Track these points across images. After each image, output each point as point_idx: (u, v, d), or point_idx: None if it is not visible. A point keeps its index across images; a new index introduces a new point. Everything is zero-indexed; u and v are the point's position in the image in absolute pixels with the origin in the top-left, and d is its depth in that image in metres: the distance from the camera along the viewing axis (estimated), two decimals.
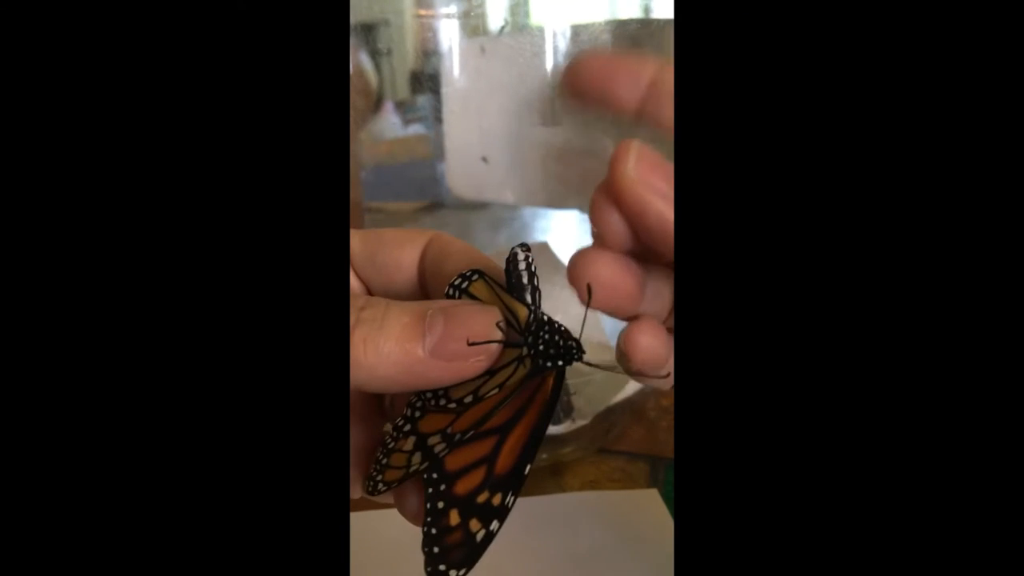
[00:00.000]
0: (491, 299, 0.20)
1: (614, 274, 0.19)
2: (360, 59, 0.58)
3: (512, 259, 0.20)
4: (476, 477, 0.20)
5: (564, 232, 0.63)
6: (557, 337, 0.19)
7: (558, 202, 0.53)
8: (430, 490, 0.20)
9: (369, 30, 0.56)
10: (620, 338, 0.21)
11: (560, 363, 0.19)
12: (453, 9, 0.51)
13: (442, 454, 0.20)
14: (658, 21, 0.46)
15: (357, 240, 0.24)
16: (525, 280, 0.19)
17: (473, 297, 0.20)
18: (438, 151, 0.56)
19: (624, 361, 0.21)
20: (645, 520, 0.36)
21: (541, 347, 0.19)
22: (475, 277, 0.20)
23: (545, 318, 0.19)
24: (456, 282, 0.20)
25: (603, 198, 0.19)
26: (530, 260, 0.19)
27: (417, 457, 0.20)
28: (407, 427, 0.20)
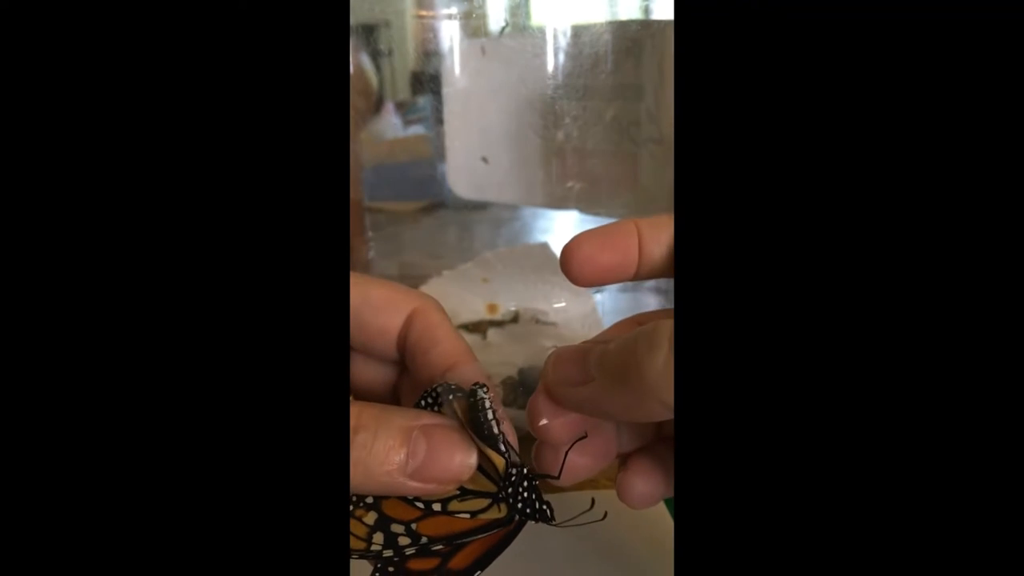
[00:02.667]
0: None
1: (568, 463, 0.22)
2: (361, 60, 0.58)
3: (478, 406, 0.20)
4: (430, 563, 0.22)
5: (564, 232, 0.63)
6: (534, 497, 0.21)
7: (558, 202, 0.53)
8: (386, 554, 0.21)
9: (370, 31, 0.56)
10: (617, 490, 0.24)
11: (532, 520, 0.21)
12: (454, 10, 0.51)
13: (407, 552, 0.21)
14: (658, 22, 0.46)
15: None
16: (496, 431, 0.20)
17: (453, 411, 0.21)
18: (439, 151, 0.57)
19: (624, 502, 0.24)
20: (644, 520, 0.36)
21: (520, 504, 0.21)
22: (452, 398, 0.21)
23: (526, 471, 0.21)
24: (439, 390, 0.21)
25: (533, 407, 0.22)
26: (493, 406, 0.20)
27: (379, 537, 0.21)
28: (369, 500, 0.21)
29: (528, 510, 0.21)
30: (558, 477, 0.22)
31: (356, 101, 0.58)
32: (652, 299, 0.53)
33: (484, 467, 0.21)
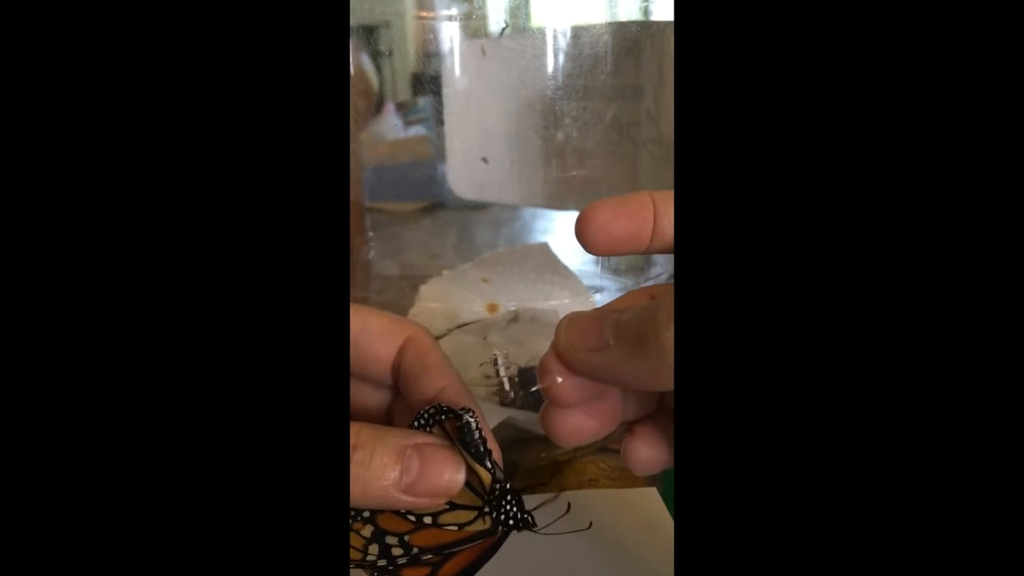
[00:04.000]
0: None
1: (575, 424, 0.23)
2: (362, 61, 0.59)
3: (465, 428, 0.22)
4: (421, 571, 0.23)
5: (564, 232, 0.63)
6: (517, 510, 0.23)
7: (558, 202, 0.53)
8: (380, 564, 0.23)
9: (370, 32, 0.56)
10: (623, 455, 0.24)
11: (515, 531, 0.23)
12: (454, 11, 0.52)
13: (400, 562, 0.23)
14: (658, 23, 0.46)
15: None
16: (482, 449, 0.22)
17: (444, 431, 0.23)
18: (439, 152, 0.57)
19: (628, 466, 0.24)
20: (644, 518, 0.36)
21: (503, 516, 0.23)
22: (443, 419, 0.23)
23: (508, 487, 0.23)
24: (431, 411, 0.23)
25: (545, 366, 0.23)
26: (480, 427, 0.22)
27: (374, 548, 0.23)
28: (366, 514, 0.23)
29: (511, 521, 0.23)
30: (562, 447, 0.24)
31: (356, 102, 0.59)
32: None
33: (471, 482, 0.22)
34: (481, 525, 0.23)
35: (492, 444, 0.23)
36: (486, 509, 0.23)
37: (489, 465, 0.22)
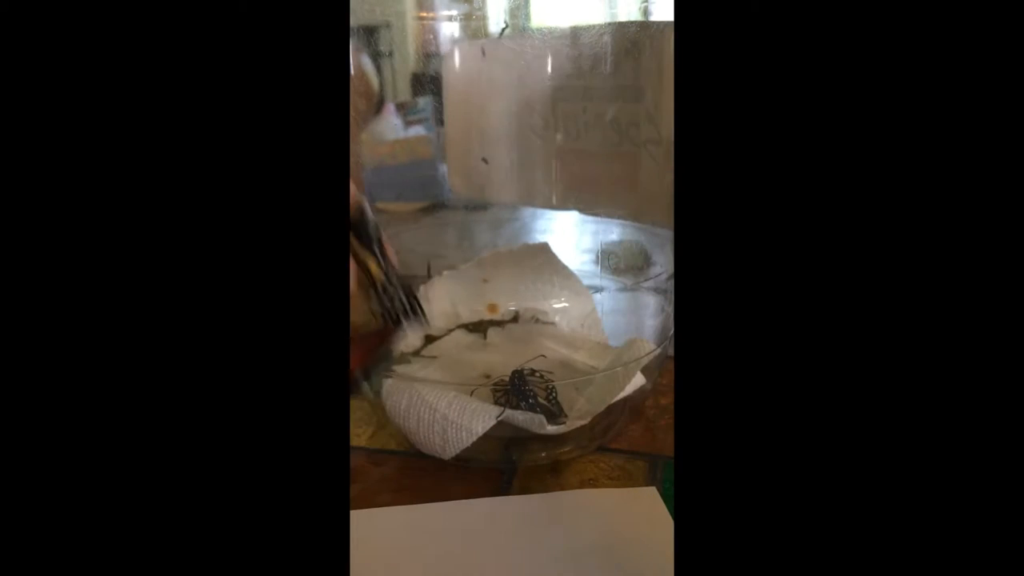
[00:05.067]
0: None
1: None
2: (362, 61, 0.59)
3: (360, 218, 0.23)
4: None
5: (564, 232, 0.63)
6: (407, 304, 0.24)
7: (558, 203, 0.53)
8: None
9: (371, 32, 0.56)
10: None
11: (405, 322, 0.24)
12: (454, 11, 0.52)
13: None
14: (657, 23, 0.46)
15: None
16: (372, 236, 0.23)
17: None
18: (439, 152, 0.57)
19: None
20: (643, 517, 0.36)
21: (393, 311, 0.24)
22: None
23: (398, 279, 0.24)
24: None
25: None
26: (376, 220, 0.23)
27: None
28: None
29: (399, 315, 0.23)
30: None
31: (357, 102, 0.59)
32: (652, 299, 0.53)
33: (362, 281, 0.23)
34: (374, 325, 0.23)
35: (387, 244, 0.23)
36: (375, 307, 0.23)
37: (377, 252, 0.23)
